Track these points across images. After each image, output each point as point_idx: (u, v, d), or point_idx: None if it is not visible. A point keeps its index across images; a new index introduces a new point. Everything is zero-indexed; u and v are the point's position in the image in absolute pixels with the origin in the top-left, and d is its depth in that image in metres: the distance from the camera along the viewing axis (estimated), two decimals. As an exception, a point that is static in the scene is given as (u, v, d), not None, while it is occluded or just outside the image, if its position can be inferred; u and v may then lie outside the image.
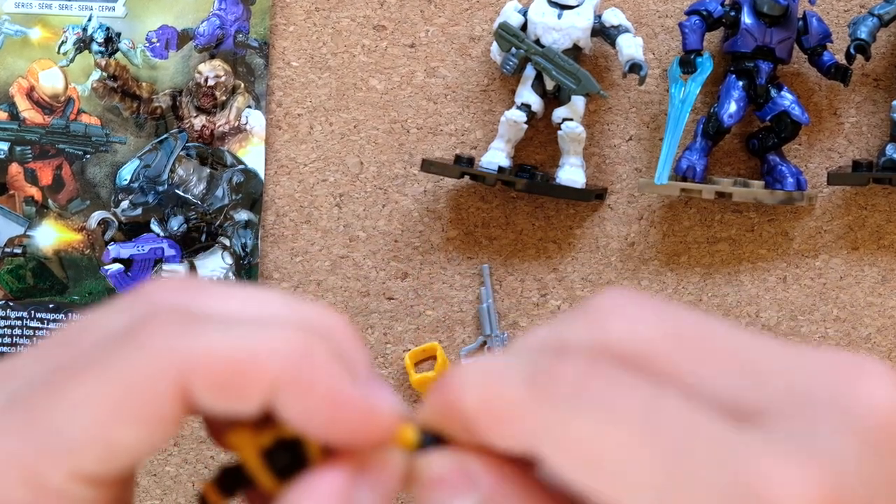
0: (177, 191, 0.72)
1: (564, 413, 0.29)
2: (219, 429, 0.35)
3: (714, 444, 0.27)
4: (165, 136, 0.71)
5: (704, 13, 0.68)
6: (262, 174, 0.71)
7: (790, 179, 0.68)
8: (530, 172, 0.69)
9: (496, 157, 0.68)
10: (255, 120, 0.71)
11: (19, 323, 0.72)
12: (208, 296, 0.34)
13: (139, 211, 0.72)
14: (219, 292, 0.34)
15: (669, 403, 0.28)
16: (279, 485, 0.33)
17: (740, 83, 0.68)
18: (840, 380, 0.28)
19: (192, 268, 0.72)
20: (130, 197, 0.72)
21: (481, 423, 0.30)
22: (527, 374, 0.30)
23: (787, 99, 0.68)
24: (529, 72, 0.69)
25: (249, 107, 0.71)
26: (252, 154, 0.71)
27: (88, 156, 0.71)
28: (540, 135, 0.71)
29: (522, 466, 0.31)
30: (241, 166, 0.71)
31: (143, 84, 0.71)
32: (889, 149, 0.67)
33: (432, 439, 0.32)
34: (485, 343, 0.71)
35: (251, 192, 0.71)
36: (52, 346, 0.34)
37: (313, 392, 0.32)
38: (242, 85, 0.71)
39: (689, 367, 0.30)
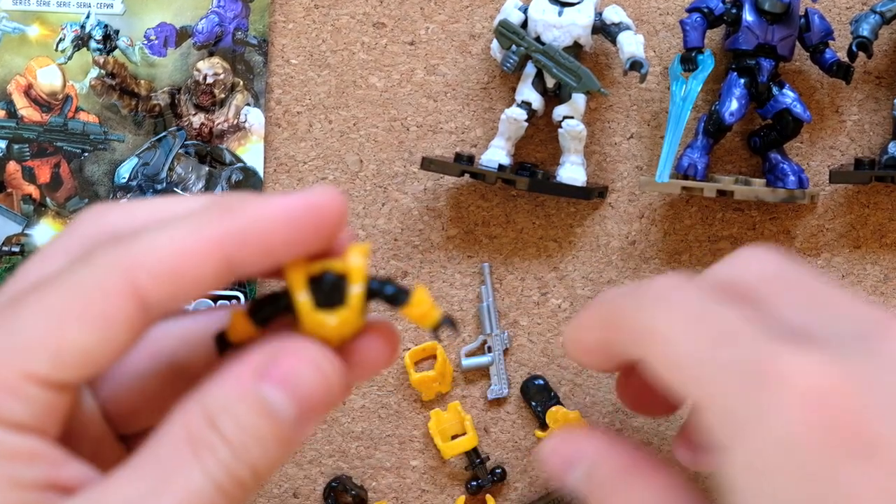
0: (175, 189, 0.71)
1: (645, 310, 0.36)
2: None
3: (745, 339, 0.34)
4: (164, 133, 0.71)
5: (706, 10, 0.68)
6: (261, 172, 0.71)
7: (792, 177, 0.68)
8: (531, 170, 0.69)
9: (496, 155, 0.68)
10: (254, 118, 0.71)
11: (17, 322, 0.71)
12: (134, 209, 0.38)
13: (138, 209, 0.71)
14: (145, 204, 0.39)
15: (720, 309, 0.35)
16: (314, 312, 0.36)
17: (742, 81, 0.68)
18: (877, 326, 0.34)
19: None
20: (129, 195, 0.71)
21: (600, 334, 0.39)
22: (628, 291, 0.38)
23: (788, 97, 0.68)
24: (530, 69, 0.68)
25: (248, 104, 0.71)
26: (251, 152, 0.71)
27: (86, 154, 0.71)
28: (540, 133, 0.71)
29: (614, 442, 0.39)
30: (239, 164, 0.71)
31: (142, 82, 0.71)
32: (891, 147, 0.67)
33: (449, 320, 0.38)
34: (485, 342, 0.70)
35: (250, 191, 0.71)
36: (12, 280, 0.38)
37: (256, 227, 0.35)
38: (241, 82, 0.71)
39: (774, 297, 0.37)
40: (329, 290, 0.37)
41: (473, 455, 0.70)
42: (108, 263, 0.35)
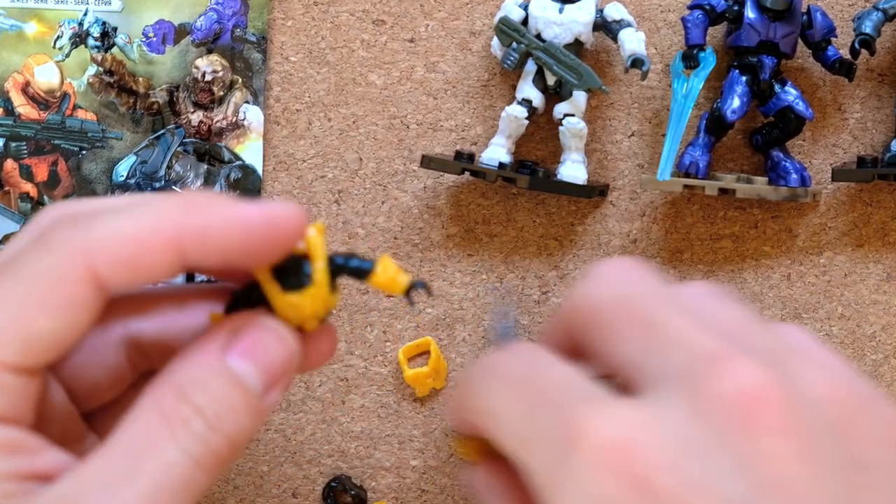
0: (174, 187, 0.71)
1: (481, 390, 0.39)
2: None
3: (558, 402, 0.35)
4: (162, 131, 0.71)
5: (707, 7, 0.67)
6: (259, 170, 0.71)
7: (794, 175, 0.67)
8: (531, 169, 0.68)
9: (497, 153, 0.68)
10: (253, 115, 0.71)
11: (14, 321, 0.71)
12: (96, 202, 0.39)
13: (136, 207, 0.71)
14: (104, 199, 0.39)
15: (545, 373, 0.37)
16: (285, 296, 0.37)
17: (744, 78, 0.67)
18: (707, 366, 0.34)
19: (190, 265, 0.71)
20: (127, 193, 0.71)
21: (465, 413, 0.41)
22: (473, 371, 0.40)
23: (791, 94, 0.67)
24: (530, 67, 0.68)
25: (247, 102, 0.71)
26: (250, 150, 0.71)
27: (84, 152, 0.71)
28: (541, 131, 0.70)
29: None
30: (238, 162, 0.71)
31: (140, 79, 0.71)
32: (894, 144, 0.67)
33: (421, 284, 0.39)
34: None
35: (249, 189, 0.71)
36: None
37: (215, 230, 0.36)
38: (240, 80, 0.71)
39: (609, 331, 0.37)
40: (294, 273, 0.38)
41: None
42: (66, 247, 0.36)
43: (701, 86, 0.66)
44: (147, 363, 0.41)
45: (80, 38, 0.70)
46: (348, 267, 0.39)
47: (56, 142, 0.71)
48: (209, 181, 0.71)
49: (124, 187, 0.71)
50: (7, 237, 0.71)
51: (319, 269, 0.38)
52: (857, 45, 0.66)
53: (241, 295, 0.39)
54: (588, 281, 0.40)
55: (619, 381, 0.37)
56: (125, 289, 0.36)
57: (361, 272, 0.39)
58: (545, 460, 0.35)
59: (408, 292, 0.40)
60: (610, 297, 0.38)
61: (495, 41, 0.69)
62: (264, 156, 0.71)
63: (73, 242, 0.35)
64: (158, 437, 0.35)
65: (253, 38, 0.71)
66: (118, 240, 0.35)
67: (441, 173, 0.70)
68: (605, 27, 0.68)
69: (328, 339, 0.41)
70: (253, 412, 0.36)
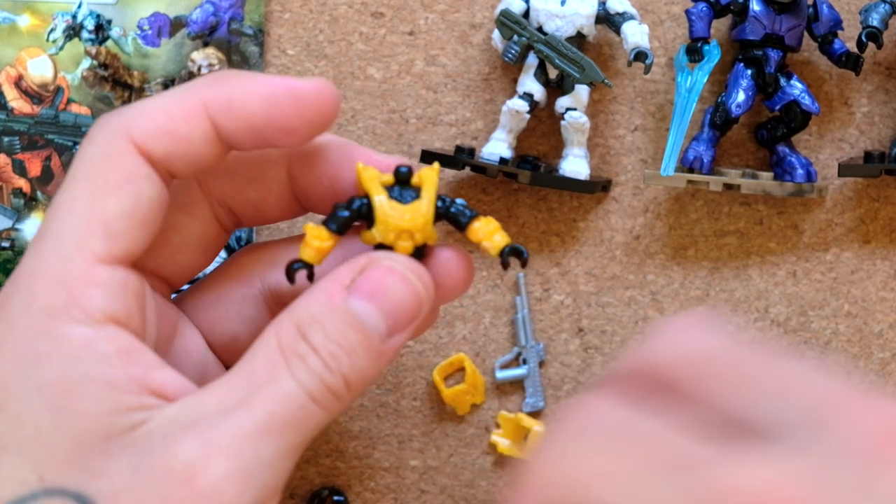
0: (169, 183, 0.70)
1: (568, 455, 0.35)
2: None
3: (681, 460, 0.32)
4: (157, 126, 0.70)
5: (712, 0, 0.67)
6: (256, 165, 0.70)
7: (800, 171, 0.67)
8: (533, 164, 0.68)
9: (498, 147, 0.67)
10: (250, 109, 0.70)
11: (7, 318, 0.70)
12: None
13: (131, 203, 0.70)
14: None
15: (646, 427, 0.33)
16: (391, 207, 0.38)
17: (749, 72, 0.67)
18: (825, 407, 0.33)
19: (185, 262, 0.70)
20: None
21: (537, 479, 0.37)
22: (549, 435, 0.37)
23: (796, 88, 0.67)
24: (532, 60, 0.67)
25: (244, 96, 0.70)
26: (246, 145, 0.70)
27: (78, 146, 0.70)
28: (542, 125, 0.70)
29: None
30: (235, 157, 0.70)
31: (135, 73, 0.70)
32: (902, 139, 0.66)
33: (517, 251, 0.40)
34: (520, 354, 0.69)
35: (246, 184, 0.70)
36: None
37: (240, 97, 0.39)
38: (237, 74, 0.70)
39: (701, 384, 0.35)
40: (402, 190, 0.39)
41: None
42: (107, 133, 0.38)
43: (705, 80, 0.66)
44: None
45: (73, 31, 0.70)
46: (452, 206, 0.39)
47: (49, 136, 0.70)
48: (205, 176, 0.70)
49: (119, 183, 0.70)
50: (1, 234, 0.70)
51: (428, 192, 0.39)
52: (863, 38, 0.65)
53: (341, 206, 0.39)
54: (668, 334, 0.37)
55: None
56: (176, 162, 0.37)
57: (462, 216, 0.40)
58: None
59: (503, 254, 0.40)
60: (703, 349, 0.36)
61: (496, 34, 0.68)
62: (261, 151, 0.70)
63: (111, 126, 0.38)
64: (276, 369, 0.35)
65: (250, 31, 0.70)
66: (149, 113, 0.37)
67: (441, 168, 0.69)
68: (608, 20, 0.67)
69: (457, 262, 0.40)
70: (373, 354, 0.37)
